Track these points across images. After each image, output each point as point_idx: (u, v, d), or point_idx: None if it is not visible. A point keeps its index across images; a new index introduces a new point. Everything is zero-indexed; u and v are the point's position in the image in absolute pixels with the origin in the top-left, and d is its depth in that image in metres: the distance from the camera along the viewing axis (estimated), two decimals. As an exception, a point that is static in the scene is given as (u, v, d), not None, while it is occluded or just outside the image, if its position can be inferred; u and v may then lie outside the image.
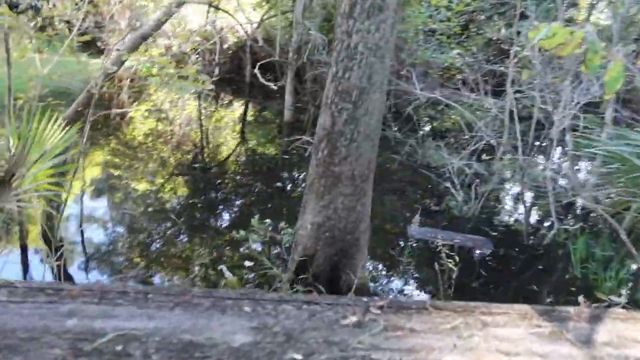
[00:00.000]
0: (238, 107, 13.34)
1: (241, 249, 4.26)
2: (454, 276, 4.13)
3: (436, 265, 4.35)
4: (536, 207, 6.05)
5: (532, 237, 5.38)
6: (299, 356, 0.79)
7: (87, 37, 4.15)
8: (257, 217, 3.77)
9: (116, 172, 6.65)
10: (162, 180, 6.52)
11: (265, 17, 11.25)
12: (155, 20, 4.26)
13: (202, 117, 11.94)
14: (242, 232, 3.88)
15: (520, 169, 5.34)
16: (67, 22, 4.45)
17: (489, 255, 4.98)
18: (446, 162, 6.56)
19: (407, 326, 0.84)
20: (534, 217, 6.05)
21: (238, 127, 11.25)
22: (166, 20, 4.08)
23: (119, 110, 4.52)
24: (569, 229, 5.47)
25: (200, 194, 6.23)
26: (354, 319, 0.88)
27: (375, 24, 3.23)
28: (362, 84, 3.31)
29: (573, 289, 4.49)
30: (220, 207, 5.86)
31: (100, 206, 5.51)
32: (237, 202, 6.10)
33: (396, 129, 9.13)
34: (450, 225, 5.66)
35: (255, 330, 0.87)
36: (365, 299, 0.90)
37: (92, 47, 12.40)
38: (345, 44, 3.30)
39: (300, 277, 3.63)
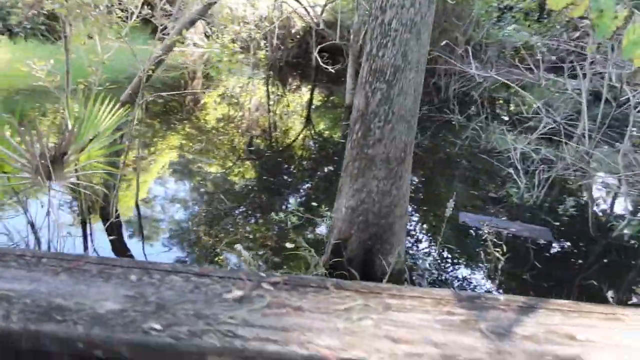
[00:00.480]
0: (306, 92, 13.42)
1: (284, 231, 4.29)
2: (500, 266, 3.91)
3: (482, 254, 4.15)
4: (608, 196, 5.55)
5: (599, 229, 4.95)
6: (158, 326, 0.77)
7: (134, 23, 4.31)
8: (295, 199, 3.76)
9: (182, 154, 6.94)
10: (224, 163, 6.72)
11: (329, 1, 11.17)
12: (203, 5, 4.34)
13: (269, 102, 12.14)
14: (280, 214, 3.89)
15: (587, 153, 4.90)
16: (123, 10, 4.65)
17: (547, 246, 4.65)
18: (510, 146, 6.20)
19: (295, 304, 0.78)
20: (604, 207, 5.55)
21: (304, 112, 11.31)
22: (212, 5, 4.14)
23: (169, 93, 4.66)
24: (644, 221, 4.98)
25: (259, 177, 6.34)
26: (238, 293, 0.83)
27: (410, -1, 3.07)
28: (397, 62, 3.17)
29: (641, 286, 4.09)
30: (276, 190, 5.93)
31: (159, 185, 5.78)
32: (295, 186, 6.14)
33: (469, 112, 8.74)
34: (510, 213, 5.35)
35: (128, 299, 0.86)
36: (262, 274, 0.85)
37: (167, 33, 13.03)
38: (379, 20, 3.17)
39: (334, 260, 3.60)
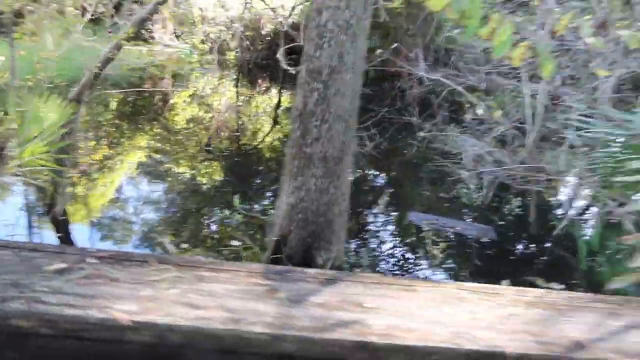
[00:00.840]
0: (274, 93, 13.48)
1: (231, 229, 4.34)
2: (439, 263, 4.04)
3: (423, 252, 4.28)
4: (551, 197, 5.75)
5: (541, 228, 5.12)
6: None
7: (82, 20, 4.32)
8: (237, 197, 3.83)
9: (147, 154, 6.93)
10: (186, 163, 6.73)
11: (297, 3, 11.27)
12: (153, 3, 4.36)
13: (238, 104, 12.17)
14: (225, 211, 3.96)
15: (529, 154, 5.10)
16: (76, 8, 4.65)
17: (490, 244, 4.80)
18: (463, 149, 6.38)
19: (113, 275, 0.84)
20: (547, 207, 5.75)
21: (272, 113, 11.36)
22: (162, 4, 4.16)
23: (119, 91, 4.59)
24: (584, 220, 5.19)
25: (217, 177, 6.37)
26: (61, 265, 0.90)
27: (345, 1, 3.17)
28: (333, 62, 3.26)
29: (575, 281, 4.26)
30: (230, 189, 5.97)
31: (111, 184, 5.76)
32: (251, 185, 6.20)
33: (428, 115, 8.90)
34: (458, 212, 5.51)
35: (-48, 272, 0.92)
36: (90, 250, 0.91)
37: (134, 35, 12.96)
38: (316, 21, 3.26)
39: (275, 257, 3.66)
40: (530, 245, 4.89)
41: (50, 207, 4.47)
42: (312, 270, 0.84)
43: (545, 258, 4.66)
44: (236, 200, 3.88)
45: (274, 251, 3.68)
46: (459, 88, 6.30)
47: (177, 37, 13.56)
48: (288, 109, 12.12)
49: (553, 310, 0.84)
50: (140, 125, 8.77)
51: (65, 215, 4.51)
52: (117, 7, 4.99)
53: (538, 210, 5.44)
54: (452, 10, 1.47)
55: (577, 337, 0.76)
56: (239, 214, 4.03)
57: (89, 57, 4.63)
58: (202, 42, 13.38)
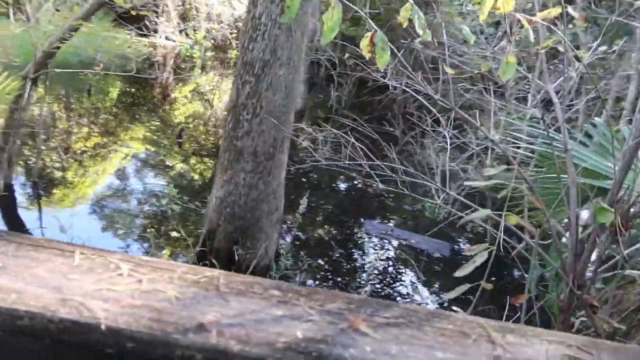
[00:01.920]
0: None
1: (170, 219, 4.28)
2: (379, 270, 3.94)
3: (367, 259, 4.18)
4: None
5: (499, 249, 4.97)
6: None
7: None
8: (172, 186, 3.78)
9: (110, 140, 6.92)
10: (148, 155, 6.71)
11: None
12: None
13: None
14: (163, 202, 3.90)
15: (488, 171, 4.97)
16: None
17: (441, 260, 4.68)
18: (435, 163, 6.25)
19: None
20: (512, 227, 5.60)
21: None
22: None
23: (65, 70, 4.51)
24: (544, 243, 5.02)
25: (181, 169, 6.33)
26: None
27: (280, -5, 3.10)
28: (266, 56, 3.19)
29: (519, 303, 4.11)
30: (183, 180, 5.92)
31: (65, 164, 5.72)
32: (205, 177, 6.14)
33: (408, 127, 8.78)
34: (419, 225, 5.39)
35: None
36: None
37: (135, 22, 12.99)
38: (251, 14, 3.20)
39: (202, 249, 3.58)
40: (481, 266, 4.74)
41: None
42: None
43: (494, 278, 4.51)
44: (172, 189, 3.81)
45: (203, 244, 3.62)
46: (419, 98, 6.20)
47: (181, 31, 13.64)
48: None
49: (214, 292, 0.75)
50: (145, 118, 8.83)
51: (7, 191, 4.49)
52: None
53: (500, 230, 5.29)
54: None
55: (209, 320, 0.67)
56: (176, 204, 3.97)
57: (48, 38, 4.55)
58: (205, 38, 13.45)
